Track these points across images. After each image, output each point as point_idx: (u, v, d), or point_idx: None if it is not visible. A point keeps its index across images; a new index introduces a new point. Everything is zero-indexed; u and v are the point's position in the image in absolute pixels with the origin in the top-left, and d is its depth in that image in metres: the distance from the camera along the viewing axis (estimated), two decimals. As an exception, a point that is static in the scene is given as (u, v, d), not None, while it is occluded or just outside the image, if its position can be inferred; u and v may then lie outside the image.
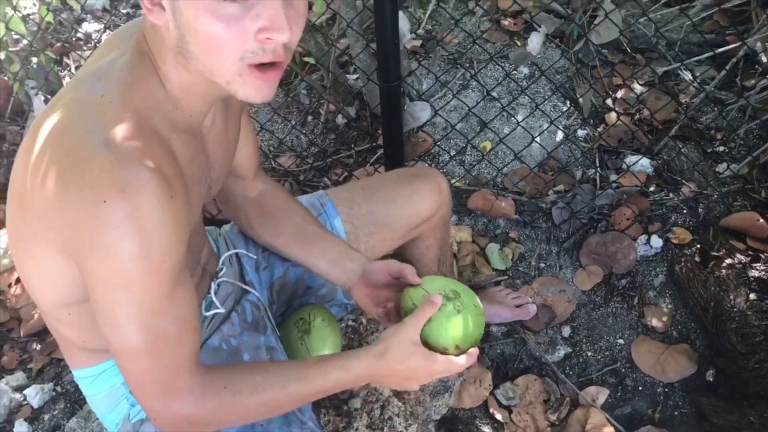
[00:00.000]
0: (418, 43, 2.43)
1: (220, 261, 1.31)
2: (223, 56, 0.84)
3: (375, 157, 2.22)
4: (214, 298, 1.23)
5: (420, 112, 2.21)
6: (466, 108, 2.12)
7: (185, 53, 0.86)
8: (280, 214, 1.30)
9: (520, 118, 2.19)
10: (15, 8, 1.94)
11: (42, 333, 1.92)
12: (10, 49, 2.16)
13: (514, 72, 2.29)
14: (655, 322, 1.84)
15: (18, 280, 2.04)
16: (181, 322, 0.92)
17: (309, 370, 1.02)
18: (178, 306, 0.91)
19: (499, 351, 1.82)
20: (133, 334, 0.88)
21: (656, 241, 1.95)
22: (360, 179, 2.07)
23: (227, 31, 0.82)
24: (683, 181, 2.07)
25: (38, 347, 1.90)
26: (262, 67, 0.86)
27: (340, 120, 2.35)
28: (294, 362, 1.06)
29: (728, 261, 1.80)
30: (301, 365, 1.04)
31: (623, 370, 1.78)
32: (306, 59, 2.45)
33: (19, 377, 1.83)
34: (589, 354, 1.82)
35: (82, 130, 0.84)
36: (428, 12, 1.80)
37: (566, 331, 1.85)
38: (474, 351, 1.06)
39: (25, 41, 2.35)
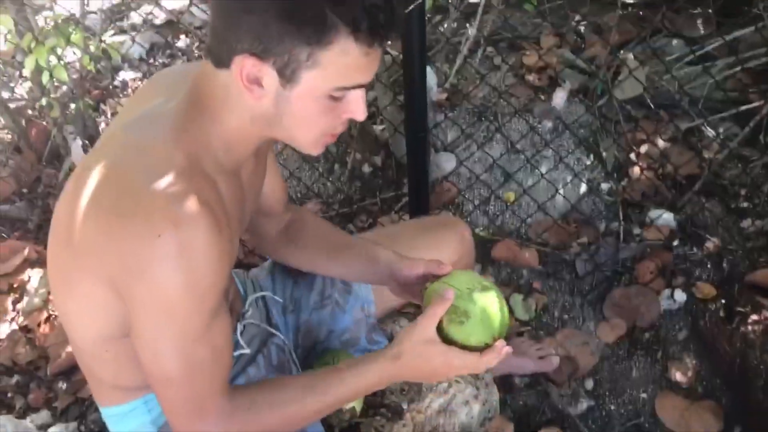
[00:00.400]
0: (444, 96, 2.49)
1: (247, 303, 1.34)
2: (312, 132, 0.97)
3: (400, 204, 2.25)
4: (240, 339, 1.26)
5: (445, 163, 2.25)
6: (491, 159, 2.16)
7: (271, 123, 0.95)
8: (307, 232, 1.36)
9: (543, 170, 2.22)
10: (59, 57, 2.03)
11: (69, 372, 1.94)
12: (51, 95, 2.24)
13: (538, 125, 2.33)
14: (679, 377, 1.82)
15: (47, 319, 2.08)
16: (217, 351, 0.96)
17: (325, 380, 1.05)
18: (215, 335, 0.95)
19: (521, 402, 1.82)
20: (172, 363, 0.93)
21: (680, 296, 1.95)
22: (385, 226, 2.10)
23: (324, 117, 0.95)
24: (707, 236, 2.07)
25: (64, 386, 1.93)
26: None
27: (366, 168, 2.40)
28: (310, 374, 1.10)
29: (754, 317, 1.79)
30: (317, 376, 1.07)
31: (647, 425, 1.76)
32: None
33: (44, 416, 1.85)
34: (612, 408, 1.80)
35: (135, 169, 0.90)
36: (455, 67, 1.86)
37: (589, 383, 1.84)
38: (500, 346, 1.03)
39: (65, 88, 2.44)
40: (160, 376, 0.95)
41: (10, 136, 2.58)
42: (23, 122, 2.55)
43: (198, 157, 0.95)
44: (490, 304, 1.04)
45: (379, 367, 1.04)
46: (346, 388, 1.05)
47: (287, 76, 0.89)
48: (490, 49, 2.70)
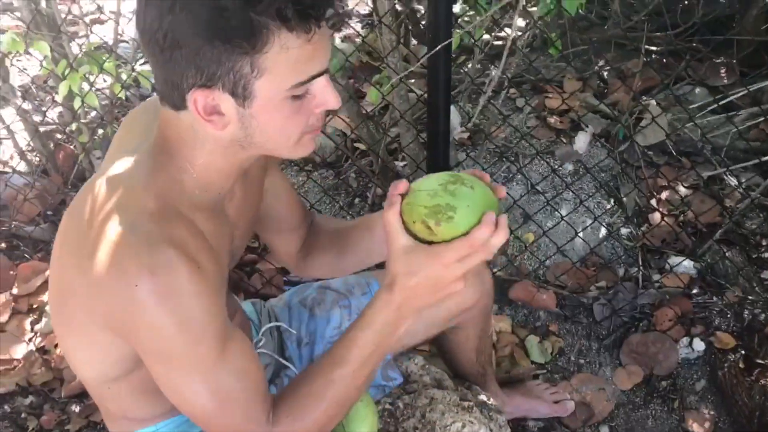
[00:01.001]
0: (466, 135, 2.51)
1: (261, 332, 1.35)
2: (288, 138, 0.93)
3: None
4: None
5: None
6: (511, 200, 2.16)
7: (245, 145, 0.93)
8: (318, 237, 1.35)
9: (563, 212, 2.22)
10: (91, 84, 2.07)
11: (82, 395, 1.95)
12: (81, 120, 2.29)
13: (560, 168, 2.34)
14: (696, 428, 1.79)
15: (64, 341, 2.09)
16: (241, 372, 0.96)
17: (340, 349, 1.02)
18: (233, 359, 0.95)
19: (534, 447, 1.79)
20: (199, 400, 0.94)
21: (699, 345, 1.93)
22: None
23: (294, 120, 0.91)
24: (727, 285, 2.05)
25: (77, 409, 1.93)
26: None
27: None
28: (324, 354, 1.05)
29: (774, 370, 1.76)
30: (331, 351, 1.03)
31: (662, 476, 1.73)
32: (357, 145, 2.55)
33: (56, 438, 1.86)
34: (628, 456, 1.78)
35: (109, 217, 0.90)
36: (479, 108, 1.88)
37: (604, 430, 1.82)
38: (487, 217, 0.90)
39: (94, 113, 2.49)
40: (197, 414, 0.96)
41: (38, 159, 2.63)
42: (52, 146, 2.60)
43: (171, 199, 0.93)
44: (468, 190, 0.92)
45: (380, 306, 0.98)
46: (363, 344, 1.00)
47: (241, 94, 0.86)
48: (513, 90, 2.73)
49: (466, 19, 2.69)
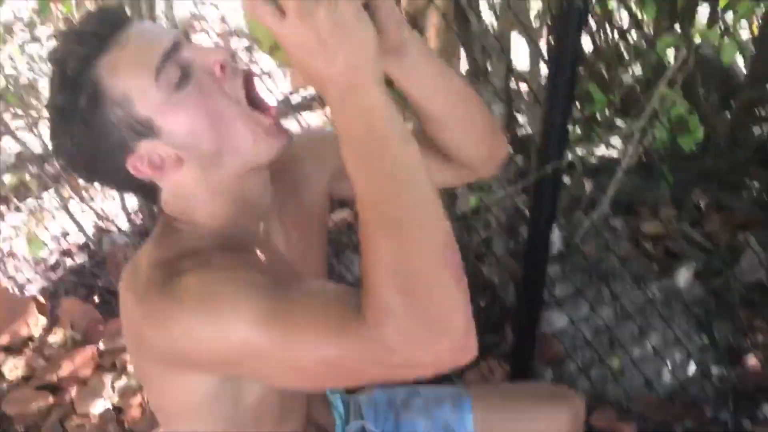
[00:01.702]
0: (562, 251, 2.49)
1: (346, 428, 1.34)
2: (221, 117, 0.86)
3: (500, 351, 2.23)
4: None
5: (555, 319, 2.23)
6: (599, 321, 2.12)
7: (208, 165, 0.89)
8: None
9: (653, 342, 2.16)
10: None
11: (150, 460, 1.97)
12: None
13: (651, 295, 2.28)
14: None
15: (140, 403, 2.13)
16: (310, 298, 0.79)
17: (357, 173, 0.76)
18: (295, 296, 0.79)
19: None
20: (303, 354, 0.76)
21: (791, 506, 1.80)
22: (499, 383, 2.06)
23: (203, 101, 0.85)
24: (826, 444, 1.93)
25: (144, 474, 1.95)
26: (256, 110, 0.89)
27: (468, 308, 2.40)
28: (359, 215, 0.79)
29: None
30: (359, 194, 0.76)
31: None
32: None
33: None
34: None
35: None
36: (583, 229, 1.88)
37: None
38: None
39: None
40: (314, 370, 0.76)
41: (141, 221, 2.76)
42: (156, 209, 2.72)
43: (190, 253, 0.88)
44: None
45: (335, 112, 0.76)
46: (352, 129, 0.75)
47: (146, 131, 0.85)
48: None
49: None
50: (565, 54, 1.44)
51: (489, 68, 1.73)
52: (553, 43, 1.61)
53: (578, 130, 2.57)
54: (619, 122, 2.51)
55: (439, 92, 0.97)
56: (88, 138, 0.86)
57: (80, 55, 0.84)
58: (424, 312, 0.70)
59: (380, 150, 0.74)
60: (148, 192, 0.93)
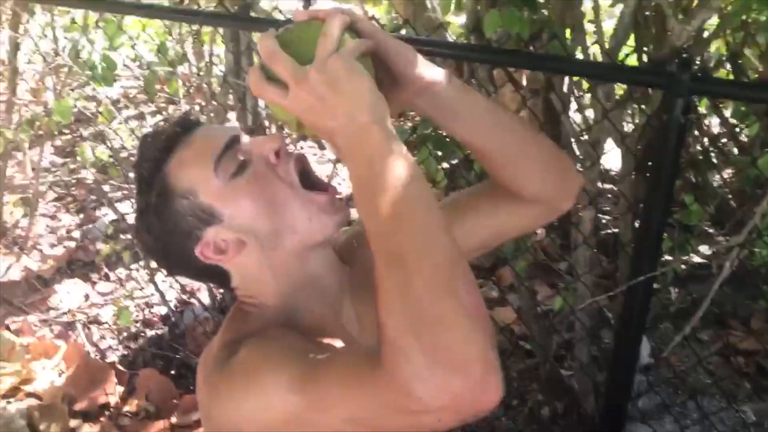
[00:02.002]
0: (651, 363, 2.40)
1: None
2: (276, 200, 0.91)
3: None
4: None
5: (638, 433, 2.13)
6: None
7: (268, 247, 0.93)
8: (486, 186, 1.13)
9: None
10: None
11: None
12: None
13: (742, 413, 2.15)
14: None
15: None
16: (330, 361, 0.80)
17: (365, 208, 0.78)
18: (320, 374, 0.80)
19: None
20: (330, 415, 0.77)
21: None
22: None
23: (260, 186, 0.91)
24: None
25: None
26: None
27: (545, 412, 2.31)
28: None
29: None
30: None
31: None
32: (522, 343, 2.51)
33: None
34: None
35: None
36: (675, 342, 1.81)
37: None
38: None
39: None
40: (354, 412, 0.76)
41: (221, 296, 2.81)
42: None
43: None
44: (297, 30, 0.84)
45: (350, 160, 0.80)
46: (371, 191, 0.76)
47: (208, 218, 0.91)
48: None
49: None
50: (664, 166, 1.42)
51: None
52: (651, 153, 1.60)
53: (669, 238, 2.51)
54: (711, 230, 2.45)
55: (485, 127, 0.96)
56: (161, 230, 0.93)
57: (153, 157, 0.94)
58: (434, 348, 0.67)
59: (378, 188, 0.75)
60: (220, 278, 0.97)
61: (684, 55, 1.40)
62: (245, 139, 0.95)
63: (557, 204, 1.06)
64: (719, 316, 2.61)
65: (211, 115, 2.61)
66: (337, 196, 0.96)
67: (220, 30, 2.53)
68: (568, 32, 1.62)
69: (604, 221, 3.14)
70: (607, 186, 3.42)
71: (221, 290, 2.80)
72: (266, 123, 2.54)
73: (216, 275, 0.97)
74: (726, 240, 1.53)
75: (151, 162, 0.94)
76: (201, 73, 2.97)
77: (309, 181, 0.96)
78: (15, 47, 3.06)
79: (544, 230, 3.12)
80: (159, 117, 3.17)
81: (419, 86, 0.91)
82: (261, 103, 2.54)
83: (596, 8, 1.64)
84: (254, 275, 0.95)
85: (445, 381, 0.66)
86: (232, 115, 2.82)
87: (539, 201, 1.04)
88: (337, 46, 0.79)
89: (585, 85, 1.98)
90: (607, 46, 1.52)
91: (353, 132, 0.78)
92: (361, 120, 0.78)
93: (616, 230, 2.71)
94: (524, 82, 2.46)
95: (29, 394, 2.45)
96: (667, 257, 1.85)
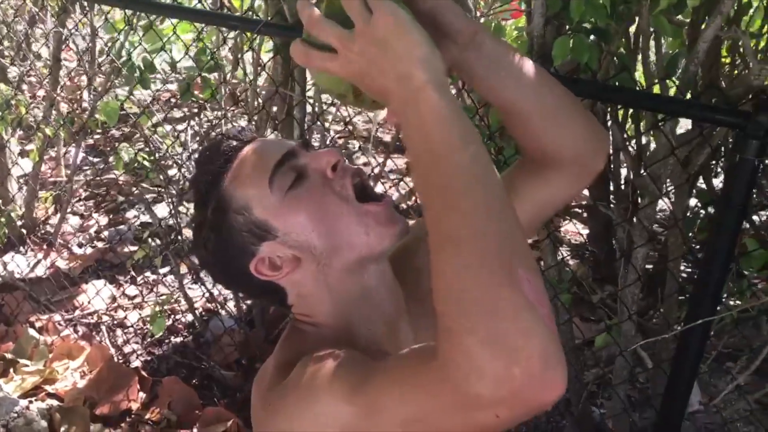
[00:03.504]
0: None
1: None
2: (331, 214, 0.89)
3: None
4: None
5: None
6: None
7: (324, 263, 0.90)
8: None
9: None
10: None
11: None
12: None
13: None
14: None
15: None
16: (384, 366, 0.76)
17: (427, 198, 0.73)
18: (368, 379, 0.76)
19: None
20: (387, 421, 0.72)
21: None
22: None
23: (316, 199, 0.89)
24: None
25: None
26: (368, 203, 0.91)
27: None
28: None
29: None
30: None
31: None
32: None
33: None
34: None
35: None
36: (726, 392, 1.75)
37: None
38: None
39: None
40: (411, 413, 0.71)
41: (248, 307, 2.78)
42: (265, 300, 2.74)
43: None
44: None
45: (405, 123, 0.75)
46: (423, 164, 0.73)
47: (263, 234, 0.89)
48: (729, 363, 2.54)
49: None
50: (731, 208, 1.37)
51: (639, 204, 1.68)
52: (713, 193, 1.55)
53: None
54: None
55: (527, 81, 0.92)
56: (217, 245, 0.93)
57: (209, 172, 0.94)
58: (491, 339, 0.61)
59: (436, 159, 0.70)
60: (276, 295, 0.95)
61: (762, 96, 1.36)
62: (302, 153, 0.94)
63: (594, 163, 1.02)
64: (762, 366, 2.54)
65: (252, 124, 2.59)
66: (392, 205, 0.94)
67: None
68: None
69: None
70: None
71: (248, 301, 2.77)
72: (316, 136, 2.52)
73: (272, 292, 0.95)
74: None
75: (207, 177, 0.94)
76: (242, 82, 2.96)
77: (366, 194, 0.94)
78: (59, 43, 3.06)
79: (584, 265, 3.07)
80: (194, 121, 3.16)
81: (467, 37, 0.87)
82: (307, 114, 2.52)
83: (658, 40, 1.60)
84: (310, 292, 0.93)
85: (504, 375, 0.61)
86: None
87: (577, 161, 1.00)
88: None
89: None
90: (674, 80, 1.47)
91: (408, 94, 0.73)
92: (415, 80, 0.72)
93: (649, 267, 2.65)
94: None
95: (50, 395, 2.42)
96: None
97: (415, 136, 0.73)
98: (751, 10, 2.13)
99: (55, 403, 2.37)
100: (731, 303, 2.36)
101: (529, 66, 0.93)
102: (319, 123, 2.62)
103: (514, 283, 0.64)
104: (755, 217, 2.56)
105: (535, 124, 0.96)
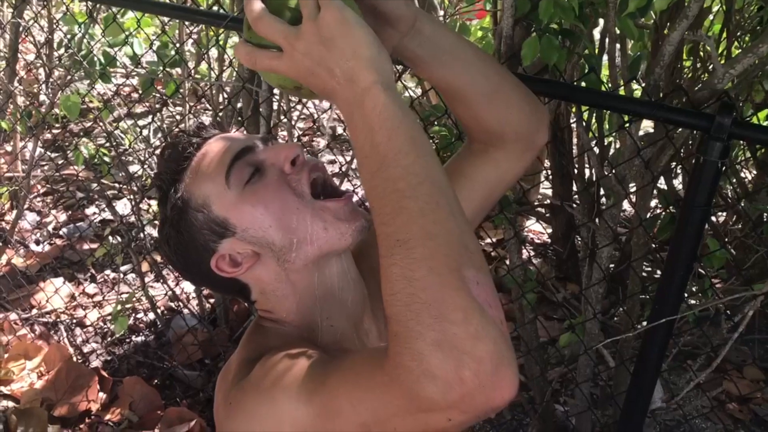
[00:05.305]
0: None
1: None
2: (288, 209, 0.89)
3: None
4: None
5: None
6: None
7: (285, 258, 0.90)
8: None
9: None
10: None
11: None
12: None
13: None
14: None
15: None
16: (339, 366, 0.75)
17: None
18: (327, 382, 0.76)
19: None
20: (343, 423, 0.72)
21: None
22: None
23: (274, 195, 0.89)
24: None
25: None
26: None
27: (539, 449, 2.27)
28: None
29: None
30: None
31: None
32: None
33: None
34: None
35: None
36: (686, 390, 1.78)
37: None
38: None
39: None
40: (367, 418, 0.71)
41: (211, 306, 2.74)
42: (229, 300, 2.71)
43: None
44: None
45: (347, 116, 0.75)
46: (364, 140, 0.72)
47: (222, 231, 0.89)
48: (690, 361, 2.59)
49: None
50: (695, 209, 1.40)
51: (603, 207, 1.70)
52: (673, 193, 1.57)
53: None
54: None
55: (467, 61, 0.94)
56: (179, 242, 0.93)
57: (169, 170, 0.93)
58: (441, 343, 0.61)
59: (382, 160, 0.69)
60: (240, 291, 0.95)
61: (725, 99, 1.39)
62: (261, 148, 0.93)
63: (537, 137, 1.05)
64: (715, 362, 2.59)
65: (218, 120, 2.56)
66: (355, 200, 0.94)
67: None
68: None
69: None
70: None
71: (211, 300, 2.73)
72: (282, 133, 2.50)
73: (236, 288, 0.95)
74: (751, 288, 1.51)
75: (168, 176, 0.93)
76: (205, 77, 2.92)
77: (326, 189, 0.94)
78: (16, 34, 2.98)
79: (547, 264, 3.10)
80: (152, 116, 3.10)
81: (408, 24, 0.88)
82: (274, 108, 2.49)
83: (623, 42, 1.62)
84: (272, 288, 0.93)
85: (454, 378, 0.60)
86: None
87: (521, 138, 1.02)
88: None
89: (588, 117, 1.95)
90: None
91: (354, 95, 0.72)
92: (362, 80, 0.71)
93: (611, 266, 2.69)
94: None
95: (6, 396, 2.36)
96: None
97: (361, 138, 0.71)
98: (711, 15, 2.18)
99: (11, 404, 2.30)
100: (691, 302, 2.41)
101: (469, 48, 0.96)
102: (285, 120, 2.59)
103: (463, 285, 0.63)
104: (713, 218, 2.62)
105: (479, 104, 0.97)
